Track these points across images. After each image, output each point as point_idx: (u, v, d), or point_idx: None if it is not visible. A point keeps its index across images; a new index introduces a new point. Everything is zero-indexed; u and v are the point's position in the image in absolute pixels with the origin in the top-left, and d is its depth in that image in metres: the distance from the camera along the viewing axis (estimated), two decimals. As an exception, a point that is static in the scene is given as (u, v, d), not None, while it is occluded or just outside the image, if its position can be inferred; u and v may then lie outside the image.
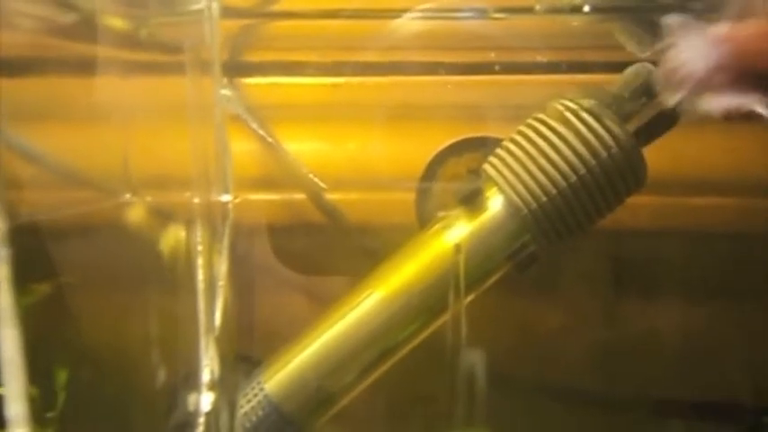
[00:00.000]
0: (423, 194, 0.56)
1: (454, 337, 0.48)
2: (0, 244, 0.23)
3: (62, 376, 0.46)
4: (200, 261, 0.40)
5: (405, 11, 0.53)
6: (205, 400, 0.40)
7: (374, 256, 0.53)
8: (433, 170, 0.56)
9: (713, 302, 0.57)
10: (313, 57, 0.57)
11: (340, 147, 0.58)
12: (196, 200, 0.41)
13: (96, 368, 0.47)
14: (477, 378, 0.45)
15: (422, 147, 0.57)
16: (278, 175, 0.58)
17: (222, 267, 0.43)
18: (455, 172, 0.56)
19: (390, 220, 0.57)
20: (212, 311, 0.40)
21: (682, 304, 0.57)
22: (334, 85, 0.57)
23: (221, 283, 0.42)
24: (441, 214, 0.51)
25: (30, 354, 0.27)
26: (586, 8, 0.44)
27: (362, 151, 0.58)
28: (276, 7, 0.54)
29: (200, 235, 0.40)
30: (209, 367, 0.40)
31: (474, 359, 0.46)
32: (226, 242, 0.44)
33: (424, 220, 0.54)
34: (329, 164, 0.58)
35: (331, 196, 0.57)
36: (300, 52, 0.57)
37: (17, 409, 0.24)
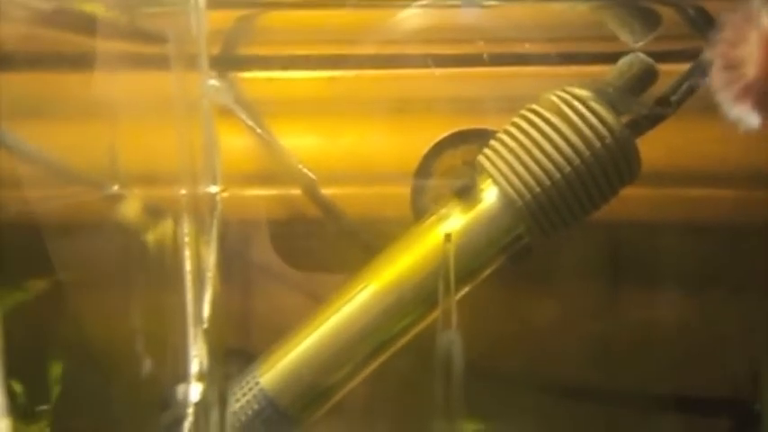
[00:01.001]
0: (418, 187, 0.56)
1: (444, 329, 0.48)
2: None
3: (56, 370, 0.46)
4: (186, 252, 0.40)
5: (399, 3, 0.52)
6: (194, 391, 0.40)
7: (371, 250, 0.53)
8: (428, 163, 0.56)
9: (709, 294, 0.57)
10: (309, 50, 0.57)
11: (336, 141, 0.58)
12: (182, 191, 0.41)
13: (85, 362, 0.47)
14: (454, 364, 0.45)
15: (419, 140, 0.57)
16: (271, 169, 0.58)
17: (210, 258, 0.43)
18: (451, 164, 0.55)
19: (387, 213, 0.56)
20: (200, 303, 0.40)
21: (678, 296, 0.57)
22: (331, 79, 0.57)
23: (209, 274, 0.42)
24: (436, 206, 0.51)
25: (18, 349, 0.27)
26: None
27: (359, 145, 0.58)
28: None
29: (186, 226, 0.40)
30: (197, 358, 0.40)
31: (451, 345, 0.46)
32: (214, 233, 0.44)
33: (420, 212, 0.54)
34: (326, 158, 0.58)
35: (327, 190, 0.57)
36: (296, 45, 0.57)
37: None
